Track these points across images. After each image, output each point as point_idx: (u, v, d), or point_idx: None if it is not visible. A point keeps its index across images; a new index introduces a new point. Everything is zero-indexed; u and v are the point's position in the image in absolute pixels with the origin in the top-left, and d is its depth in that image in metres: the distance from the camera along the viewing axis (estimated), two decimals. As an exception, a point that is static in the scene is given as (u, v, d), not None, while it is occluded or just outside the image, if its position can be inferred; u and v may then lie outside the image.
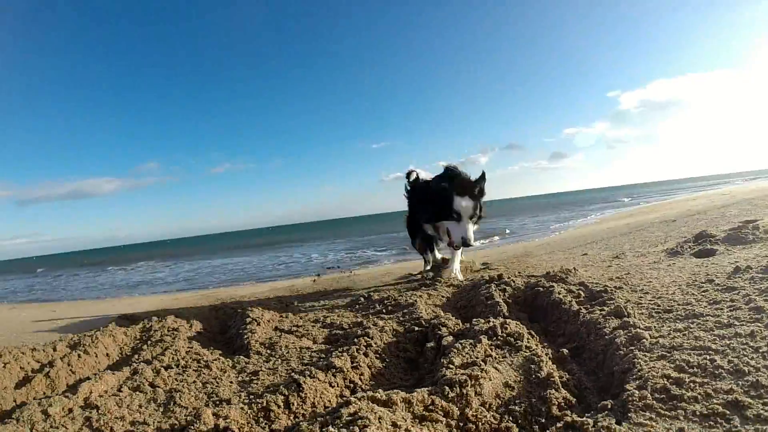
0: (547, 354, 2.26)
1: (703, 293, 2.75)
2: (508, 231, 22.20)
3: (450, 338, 2.52)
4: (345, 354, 2.53)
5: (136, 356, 3.49)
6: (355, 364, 2.44)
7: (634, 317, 2.45)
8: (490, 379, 1.88)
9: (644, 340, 2.09)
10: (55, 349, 3.61)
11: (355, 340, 2.80)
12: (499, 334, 2.40)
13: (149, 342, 3.80)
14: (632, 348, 2.04)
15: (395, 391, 1.84)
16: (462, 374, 1.89)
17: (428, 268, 5.94)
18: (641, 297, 2.92)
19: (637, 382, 1.72)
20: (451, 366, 2.06)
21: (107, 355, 3.67)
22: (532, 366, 2.02)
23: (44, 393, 2.94)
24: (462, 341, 2.34)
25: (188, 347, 3.40)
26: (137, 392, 2.51)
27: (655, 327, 2.29)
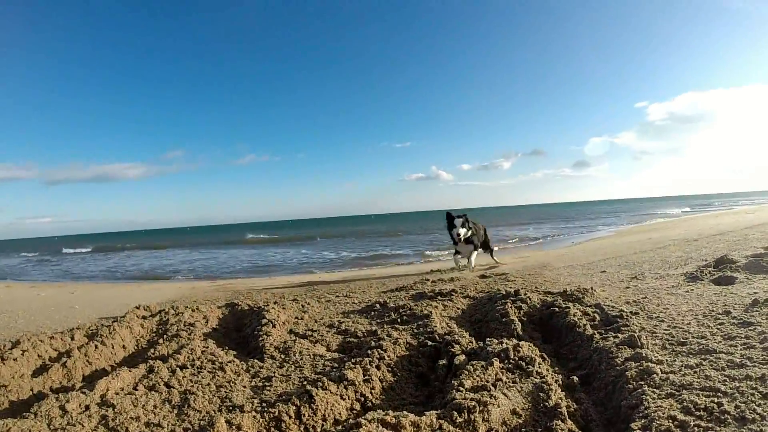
0: (557, 381, 2.33)
1: (719, 326, 2.80)
2: (528, 237, 22.29)
3: (462, 357, 2.61)
4: (357, 366, 2.62)
5: (152, 350, 3.63)
6: (366, 377, 2.54)
7: (647, 348, 2.51)
8: (499, 406, 1.97)
9: (654, 376, 2.15)
10: (72, 338, 3.81)
11: (369, 351, 2.88)
12: (512, 357, 2.48)
13: (165, 336, 3.93)
14: (642, 383, 2.11)
15: (404, 413, 1.94)
16: (471, 399, 1.98)
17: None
18: (656, 325, 2.97)
19: (643, 421, 1.80)
20: (461, 389, 2.15)
21: (123, 347, 3.81)
22: (541, 394, 2.10)
23: (60, 383, 3.10)
24: (474, 362, 2.43)
25: (204, 347, 3.47)
26: (153, 392, 2.63)
27: (667, 361, 2.35)
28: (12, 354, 3.29)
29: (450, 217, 8.05)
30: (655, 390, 2.04)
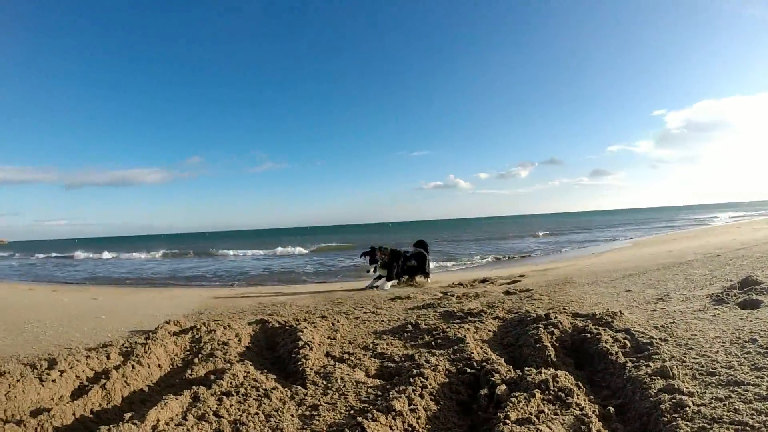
0: (594, 411, 2.56)
1: (746, 355, 3.02)
2: (547, 247, 22.55)
3: (503, 387, 2.85)
4: (403, 396, 2.85)
5: (189, 371, 3.83)
6: (412, 407, 2.77)
7: (679, 379, 2.74)
8: (545, 439, 2.18)
9: (687, 409, 2.38)
10: (108, 357, 3.97)
11: (411, 380, 3.11)
12: (551, 387, 2.72)
13: (200, 356, 4.13)
14: (676, 416, 2.34)
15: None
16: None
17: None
18: (686, 353, 3.20)
19: (679, 455, 2.00)
20: (507, 421, 2.39)
21: (159, 366, 3.97)
22: (582, 426, 2.34)
23: (101, 405, 3.23)
24: (516, 394, 2.67)
25: (245, 371, 3.62)
26: (203, 422, 2.73)
27: (698, 393, 2.58)
28: (50, 375, 3.43)
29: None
30: (687, 423, 2.27)
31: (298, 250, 30.49)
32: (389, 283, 9.46)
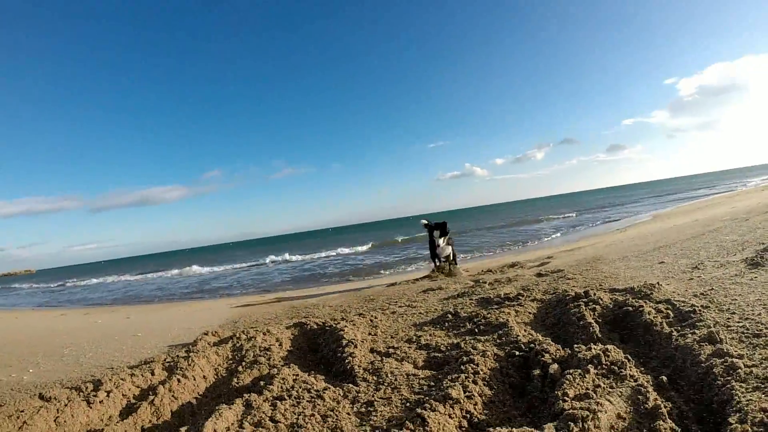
0: (648, 381, 2.66)
1: (790, 314, 3.10)
2: (570, 226, 22.56)
3: (555, 366, 2.97)
4: (457, 384, 2.96)
5: (235, 380, 3.92)
6: (468, 394, 2.88)
7: (727, 343, 2.84)
8: (606, 412, 2.32)
9: (739, 370, 2.49)
10: (152, 373, 4.07)
11: (462, 367, 3.23)
12: (603, 362, 2.84)
13: (243, 363, 4.22)
14: (729, 378, 2.46)
15: (525, 429, 2.26)
16: (581, 408, 2.32)
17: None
18: (729, 318, 3.31)
19: (738, 415, 2.13)
20: (566, 398, 2.50)
21: (204, 377, 4.06)
22: (639, 396, 2.45)
23: (151, 422, 3.32)
24: (570, 372, 2.78)
25: (294, 374, 3.68)
26: (260, 428, 2.80)
27: (747, 355, 2.69)
28: (97, 396, 3.52)
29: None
30: (742, 384, 2.38)
31: (321, 253, 30.65)
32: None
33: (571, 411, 2.29)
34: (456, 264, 10.19)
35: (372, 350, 4.24)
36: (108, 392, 3.60)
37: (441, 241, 9.75)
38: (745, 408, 2.14)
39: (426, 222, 10.59)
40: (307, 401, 3.11)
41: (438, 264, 10.05)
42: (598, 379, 2.67)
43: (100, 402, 3.47)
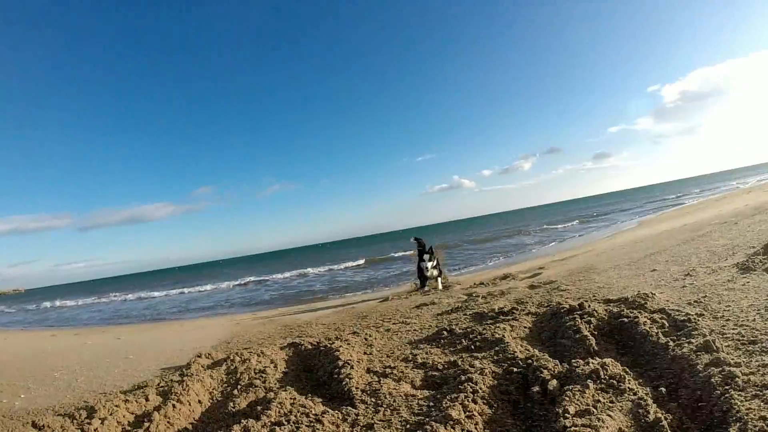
0: (647, 394, 2.69)
1: (783, 320, 3.16)
2: (559, 236, 22.75)
3: (555, 382, 2.99)
4: (456, 403, 2.96)
5: (231, 404, 3.84)
6: (468, 413, 2.88)
7: (723, 352, 2.89)
8: (607, 427, 2.34)
9: (737, 379, 2.54)
10: (147, 399, 4.00)
11: (460, 386, 3.22)
12: (602, 376, 2.88)
13: (239, 387, 4.19)
14: (728, 387, 2.49)
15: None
16: (582, 425, 2.35)
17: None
18: (724, 325, 3.37)
19: (738, 424, 2.17)
20: (567, 415, 2.53)
21: (199, 402, 4.01)
22: (640, 410, 2.48)
23: None
24: (569, 387, 2.80)
25: (291, 398, 3.63)
26: None
27: (744, 362, 2.75)
28: (91, 424, 3.48)
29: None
30: (740, 393, 2.43)
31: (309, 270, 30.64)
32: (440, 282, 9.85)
33: (572, 428, 2.32)
34: (443, 273, 10.29)
35: (369, 370, 4.20)
36: (102, 419, 3.56)
37: (429, 265, 9.68)
38: (745, 417, 2.18)
39: (417, 239, 10.62)
40: (306, 426, 3.07)
41: (422, 286, 10.02)
42: (597, 394, 2.71)
43: (94, 430, 3.44)
